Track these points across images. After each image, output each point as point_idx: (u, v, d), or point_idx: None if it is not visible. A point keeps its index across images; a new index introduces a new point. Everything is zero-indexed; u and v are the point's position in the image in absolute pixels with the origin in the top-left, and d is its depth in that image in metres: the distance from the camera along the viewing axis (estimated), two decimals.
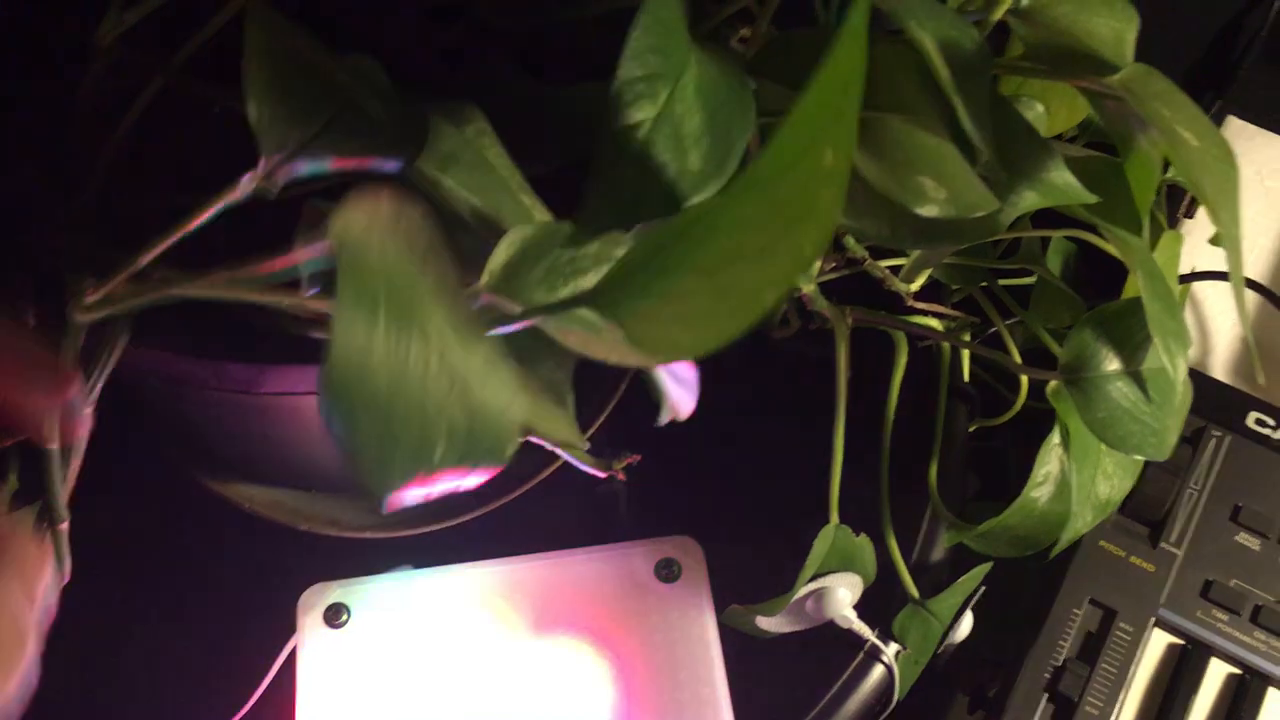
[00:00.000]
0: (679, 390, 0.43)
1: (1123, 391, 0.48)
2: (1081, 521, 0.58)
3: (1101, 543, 0.61)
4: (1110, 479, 0.58)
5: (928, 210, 0.37)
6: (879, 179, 0.37)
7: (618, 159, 0.29)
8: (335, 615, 0.51)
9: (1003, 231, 0.45)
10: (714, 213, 0.28)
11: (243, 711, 0.51)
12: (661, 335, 0.32)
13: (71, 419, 0.39)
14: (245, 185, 0.32)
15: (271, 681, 0.52)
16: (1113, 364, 0.48)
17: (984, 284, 0.63)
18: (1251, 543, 0.61)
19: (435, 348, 0.31)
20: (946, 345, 0.62)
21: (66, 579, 0.41)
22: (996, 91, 0.47)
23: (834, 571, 0.52)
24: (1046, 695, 0.57)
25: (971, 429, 0.66)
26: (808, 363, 0.61)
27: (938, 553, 0.60)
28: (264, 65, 0.31)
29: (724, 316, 0.31)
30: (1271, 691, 0.57)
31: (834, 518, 0.52)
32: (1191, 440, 0.64)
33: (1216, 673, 0.58)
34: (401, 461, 0.31)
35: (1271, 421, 0.64)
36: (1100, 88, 0.41)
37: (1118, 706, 0.57)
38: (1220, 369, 0.71)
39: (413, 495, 0.33)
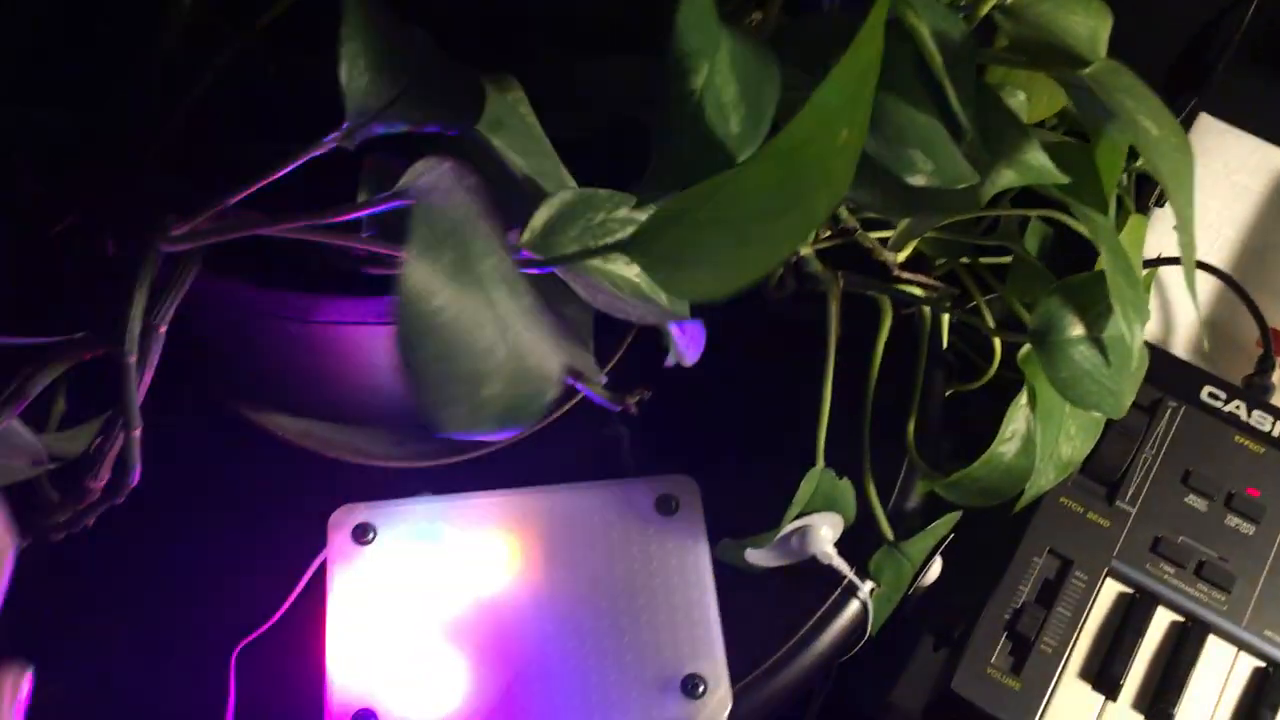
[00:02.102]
0: (685, 340, 0.48)
1: (1085, 355, 0.53)
2: (1045, 478, 0.63)
3: (1062, 499, 0.66)
4: (1073, 440, 0.64)
5: (916, 180, 0.42)
6: (875, 149, 0.42)
7: (678, 124, 0.34)
8: (363, 533, 0.56)
9: (983, 206, 0.50)
10: (743, 176, 0.33)
11: (276, 616, 0.56)
12: (688, 279, 0.37)
13: (149, 336, 0.44)
14: (328, 143, 0.37)
15: (301, 594, 0.57)
16: (1077, 329, 0.53)
17: (965, 259, 0.68)
18: (1199, 504, 0.66)
19: (488, 292, 0.36)
20: (928, 312, 0.67)
21: (135, 483, 0.46)
22: (983, 80, 0.52)
23: (817, 511, 0.57)
24: (1005, 634, 0.63)
25: (948, 393, 0.71)
26: (800, 324, 0.66)
27: (912, 500, 0.65)
28: (358, 37, 0.35)
29: (744, 264, 0.36)
30: (1211, 638, 0.63)
31: (820, 462, 0.57)
32: (1149, 409, 0.69)
33: (1161, 620, 0.64)
34: (455, 391, 0.36)
35: (1223, 395, 0.70)
36: (1074, 79, 0.46)
37: (1070, 646, 0.62)
38: (1180, 347, 0.77)
39: (469, 432, 0.38)
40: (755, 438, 0.66)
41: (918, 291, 0.67)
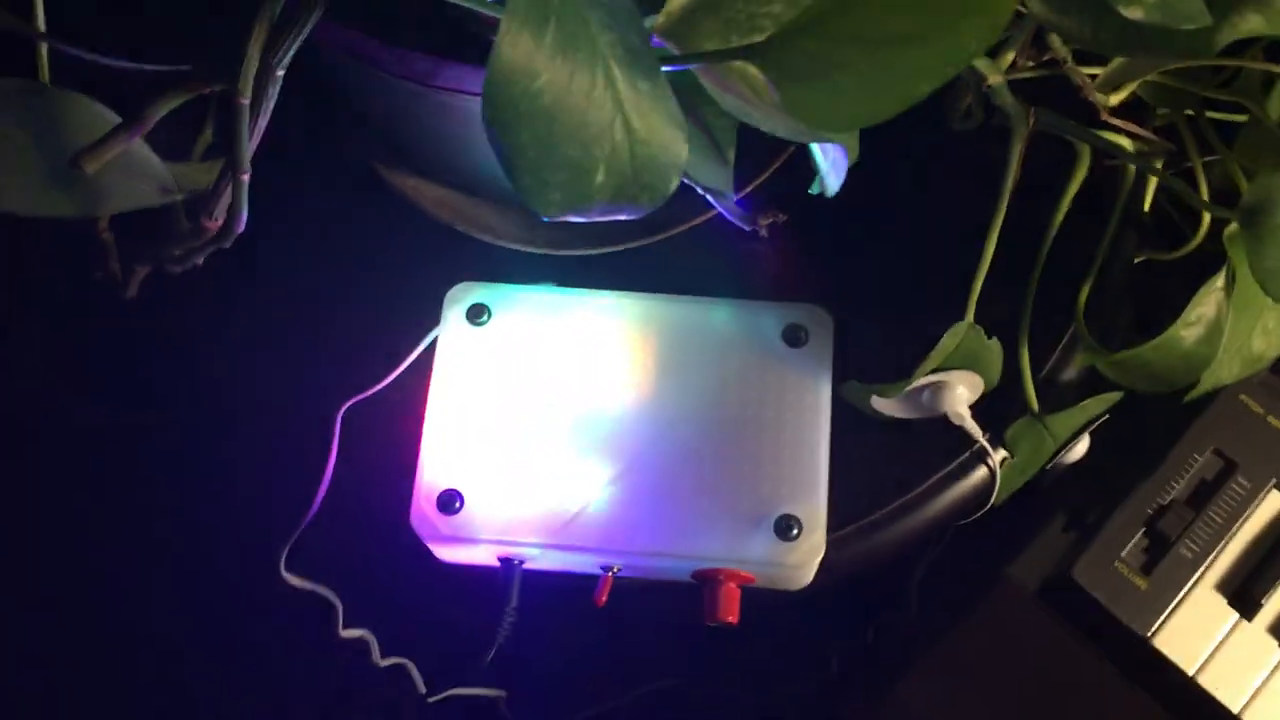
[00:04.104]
0: (829, 168, 0.43)
1: None
2: (1227, 371, 0.57)
3: (1242, 396, 0.60)
4: (1270, 335, 0.57)
5: (1133, 13, 0.35)
6: None
7: None
8: (477, 313, 0.54)
9: (1214, 53, 0.42)
10: None
11: (384, 382, 0.55)
12: (815, 103, 0.32)
13: (265, 77, 0.41)
14: None
15: (414, 365, 0.56)
16: None
17: (1190, 112, 0.60)
18: None
19: (603, 71, 0.32)
20: (1131, 168, 0.60)
21: (241, 229, 0.45)
22: None
23: (956, 368, 0.53)
24: (1145, 529, 0.58)
25: (1138, 260, 0.64)
26: (984, 160, 0.60)
27: (1070, 373, 0.59)
28: None
29: (877, 95, 0.31)
30: None
31: (969, 316, 0.52)
32: None
33: None
34: (560, 180, 0.33)
35: None
36: None
37: (1214, 555, 0.57)
38: None
39: (573, 215, 0.35)
40: (911, 279, 0.61)
41: (1126, 143, 0.59)
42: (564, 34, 0.31)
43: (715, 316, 0.55)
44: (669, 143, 0.34)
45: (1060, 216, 0.57)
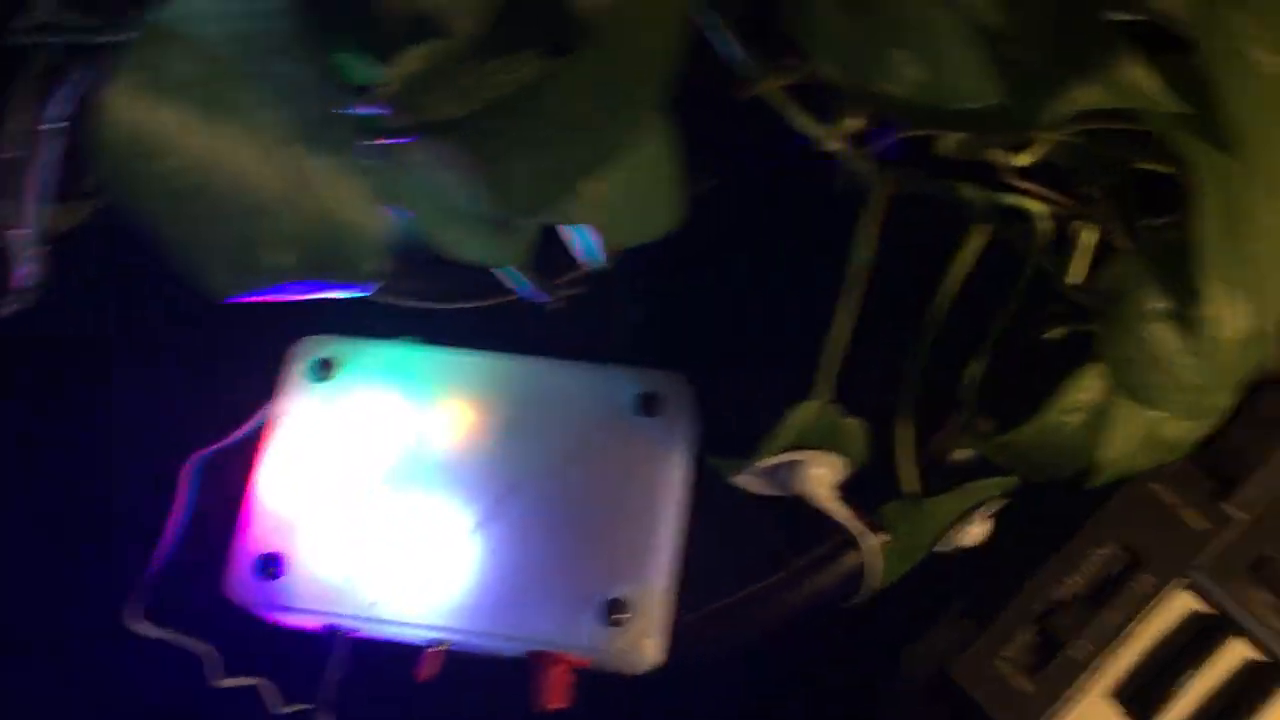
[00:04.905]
0: (581, 245, 0.40)
1: (1161, 336, 0.41)
2: (1130, 461, 0.52)
3: (1153, 484, 0.55)
4: (1185, 422, 0.52)
5: (894, 89, 0.32)
6: (845, 32, 0.32)
7: None
8: (322, 369, 0.52)
9: (1053, 126, 0.38)
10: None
11: (227, 440, 0.54)
12: (516, 181, 0.29)
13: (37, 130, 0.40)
14: None
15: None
16: (1157, 301, 0.42)
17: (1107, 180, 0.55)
18: None
19: (264, 146, 0.30)
20: (1042, 232, 0.55)
21: (26, 284, 0.44)
22: None
23: (813, 448, 0.49)
24: (1037, 627, 0.53)
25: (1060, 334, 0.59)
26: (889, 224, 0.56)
27: (964, 454, 0.55)
28: None
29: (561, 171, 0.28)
30: None
31: (821, 393, 0.49)
32: None
33: (1234, 653, 0.52)
34: (220, 258, 0.31)
35: None
36: None
37: (1108, 658, 0.52)
38: None
39: (257, 293, 0.33)
40: (799, 344, 0.58)
41: (1038, 207, 0.55)
42: (211, 107, 0.28)
43: (568, 381, 0.52)
44: (362, 217, 0.32)
45: (952, 285, 0.54)
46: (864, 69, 0.32)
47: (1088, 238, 0.53)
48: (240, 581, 0.49)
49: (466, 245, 0.37)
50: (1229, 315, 0.40)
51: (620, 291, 0.55)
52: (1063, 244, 0.58)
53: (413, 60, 0.33)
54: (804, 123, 0.42)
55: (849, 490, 0.54)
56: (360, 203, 0.32)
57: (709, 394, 0.54)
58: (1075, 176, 0.58)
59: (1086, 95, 0.37)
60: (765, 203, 0.57)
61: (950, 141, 0.45)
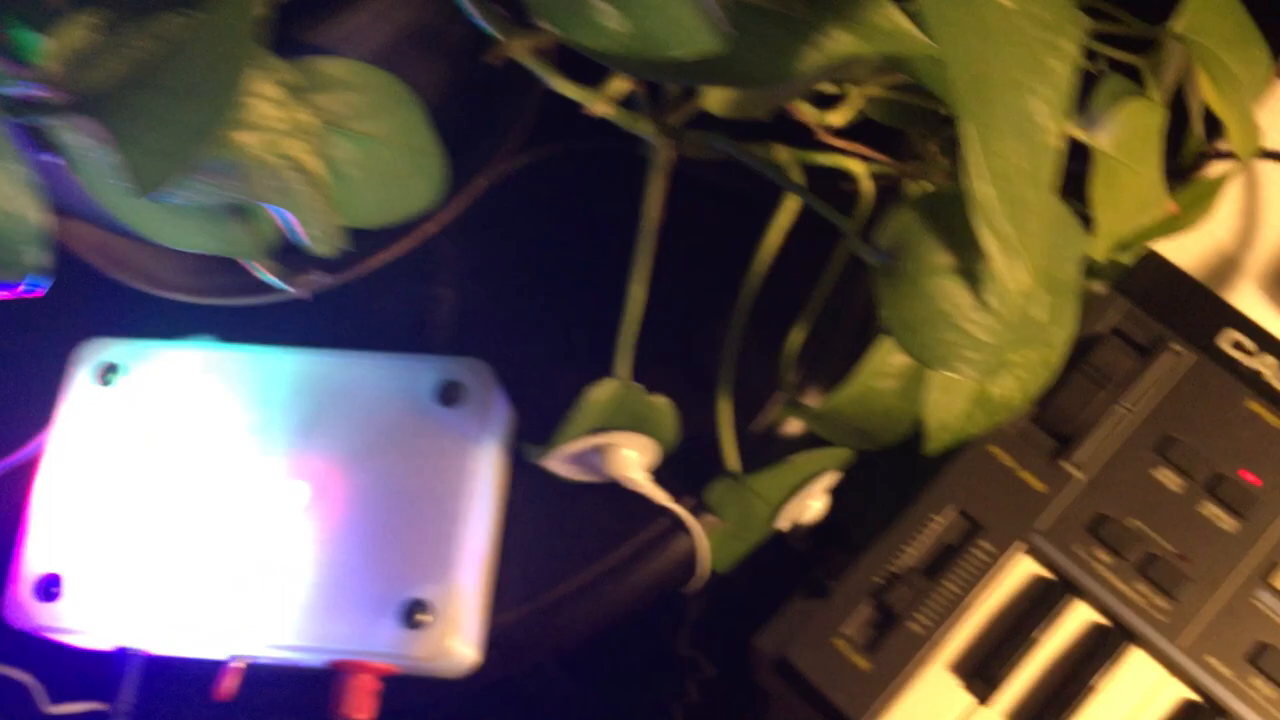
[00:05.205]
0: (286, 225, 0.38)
1: (946, 291, 0.39)
2: (964, 422, 0.51)
3: (990, 447, 0.53)
4: (1015, 377, 0.50)
5: (599, 42, 0.29)
6: None
7: None
8: (107, 373, 0.49)
9: (809, 79, 0.36)
10: None
11: (14, 457, 0.51)
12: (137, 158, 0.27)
13: None
14: None
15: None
16: (942, 256, 0.39)
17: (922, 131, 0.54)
18: (1171, 482, 0.52)
19: None
20: (865, 194, 0.53)
21: None
22: None
23: (621, 429, 0.47)
24: (875, 601, 0.51)
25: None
26: (704, 191, 0.54)
27: (789, 427, 0.53)
28: None
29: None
30: (1133, 651, 0.50)
31: (620, 372, 0.46)
32: (1142, 350, 0.54)
33: (1076, 617, 0.51)
34: None
35: (1250, 345, 0.54)
36: None
37: (948, 629, 0.50)
38: (1251, 276, 0.60)
39: None
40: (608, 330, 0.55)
41: (857, 166, 0.53)
42: None
43: (366, 373, 0.49)
44: (18, 207, 0.29)
45: (768, 253, 0.51)
46: (567, 22, 0.29)
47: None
48: (17, 605, 0.46)
49: (169, 233, 0.34)
50: (1010, 267, 0.38)
51: (428, 280, 0.52)
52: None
53: (74, 29, 0.30)
54: (563, 86, 0.40)
55: (682, 474, 0.51)
56: (14, 191, 0.29)
57: (525, 381, 0.51)
58: (908, 135, 0.57)
59: (841, 43, 0.35)
60: (575, 178, 0.54)
61: (714, 99, 0.42)
